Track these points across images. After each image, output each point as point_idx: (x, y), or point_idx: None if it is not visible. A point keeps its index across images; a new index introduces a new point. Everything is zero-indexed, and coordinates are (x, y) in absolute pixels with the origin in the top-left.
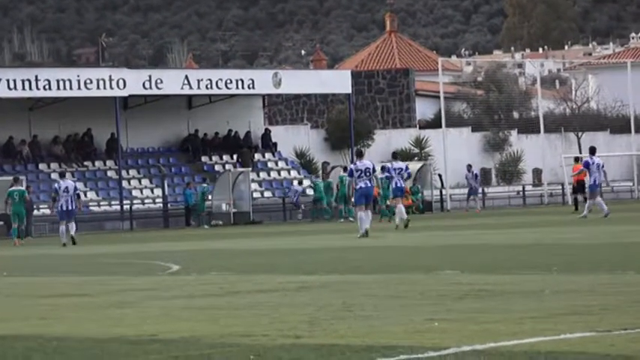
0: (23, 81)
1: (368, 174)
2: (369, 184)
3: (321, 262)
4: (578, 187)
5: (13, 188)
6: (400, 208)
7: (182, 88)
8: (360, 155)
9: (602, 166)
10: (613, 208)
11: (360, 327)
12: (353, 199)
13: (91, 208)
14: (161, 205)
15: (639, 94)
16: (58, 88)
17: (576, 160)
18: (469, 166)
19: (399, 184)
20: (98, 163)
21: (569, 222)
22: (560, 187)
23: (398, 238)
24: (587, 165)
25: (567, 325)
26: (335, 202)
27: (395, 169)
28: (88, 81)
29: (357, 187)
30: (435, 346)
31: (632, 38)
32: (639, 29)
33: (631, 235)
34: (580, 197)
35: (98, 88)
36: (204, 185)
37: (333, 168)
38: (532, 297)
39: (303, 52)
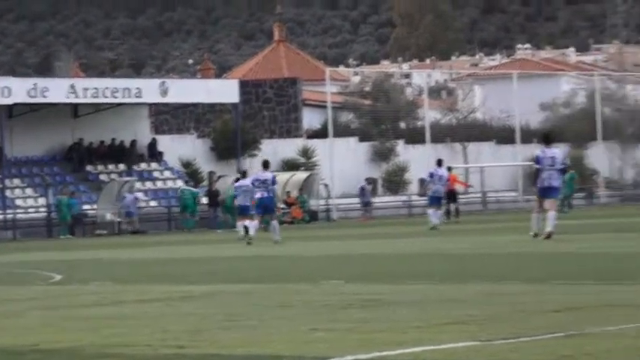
0: None
1: (266, 185)
2: (267, 195)
3: (206, 272)
4: (450, 196)
5: None
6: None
7: (68, 97)
8: (265, 166)
9: (447, 179)
10: (498, 218)
11: (244, 337)
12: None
13: None
14: (45, 214)
15: (525, 105)
16: None
17: (448, 169)
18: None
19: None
20: None
21: (454, 232)
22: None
23: (284, 248)
24: (431, 176)
25: (451, 334)
26: (222, 212)
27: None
28: None
29: (256, 197)
30: (318, 356)
31: (519, 49)
32: (525, 40)
33: (514, 245)
34: (452, 207)
35: None
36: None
37: (219, 177)
38: (416, 307)
39: (190, 61)
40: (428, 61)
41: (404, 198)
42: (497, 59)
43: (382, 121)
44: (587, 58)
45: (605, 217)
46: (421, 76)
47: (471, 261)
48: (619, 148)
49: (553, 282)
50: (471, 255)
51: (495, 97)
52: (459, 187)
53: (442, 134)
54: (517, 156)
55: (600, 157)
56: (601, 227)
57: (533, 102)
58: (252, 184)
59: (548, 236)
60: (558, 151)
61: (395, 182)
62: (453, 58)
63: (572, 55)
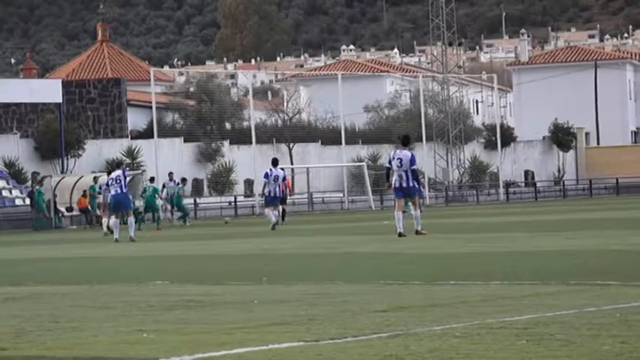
0: None
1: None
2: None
3: (29, 273)
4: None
5: None
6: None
7: None
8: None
9: (283, 178)
10: (324, 219)
11: (67, 338)
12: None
13: None
14: None
15: (349, 106)
16: None
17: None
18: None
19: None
20: None
21: (280, 232)
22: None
23: (109, 249)
24: (266, 176)
25: (276, 335)
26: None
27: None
28: None
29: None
30: (143, 357)
31: (343, 51)
32: (350, 42)
33: (341, 246)
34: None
35: None
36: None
37: (44, 178)
38: (241, 307)
39: (13, 60)
40: (253, 61)
41: (230, 199)
42: (322, 60)
43: (207, 122)
44: (411, 60)
45: (431, 218)
46: (246, 76)
47: (297, 262)
48: (443, 149)
49: (381, 282)
50: (298, 255)
51: (320, 98)
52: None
53: (268, 135)
54: (342, 157)
55: (425, 158)
56: (429, 228)
57: (358, 103)
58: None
59: (417, 233)
60: (407, 153)
61: (221, 183)
62: (278, 59)
63: (396, 56)
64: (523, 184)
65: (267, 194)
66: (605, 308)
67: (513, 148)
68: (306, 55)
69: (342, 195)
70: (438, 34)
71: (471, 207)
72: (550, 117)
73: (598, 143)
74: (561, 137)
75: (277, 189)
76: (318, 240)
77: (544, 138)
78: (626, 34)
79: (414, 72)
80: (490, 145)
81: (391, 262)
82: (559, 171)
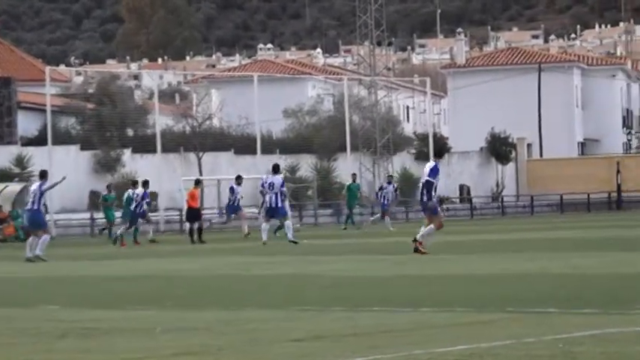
0: None
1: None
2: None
3: None
4: (191, 214)
5: None
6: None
7: None
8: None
9: (281, 185)
10: (235, 236)
11: None
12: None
13: None
14: None
15: (266, 111)
16: None
17: (197, 183)
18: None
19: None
20: None
21: (187, 252)
22: (179, 212)
23: (3, 269)
24: (262, 185)
25: None
26: None
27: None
28: None
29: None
30: None
31: (260, 50)
32: (268, 40)
33: (254, 267)
34: (195, 225)
35: None
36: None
37: None
38: (142, 335)
39: None
40: (160, 60)
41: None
42: (237, 60)
43: (107, 128)
44: (336, 61)
45: (356, 236)
46: (152, 77)
47: (205, 284)
48: (370, 160)
49: (296, 308)
50: (206, 277)
51: (234, 103)
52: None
53: (174, 143)
54: (258, 167)
55: (350, 169)
56: (352, 248)
57: (276, 108)
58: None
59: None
60: (278, 178)
61: (121, 196)
62: (188, 58)
63: (319, 57)
64: (458, 199)
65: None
66: (545, 338)
67: (447, 159)
68: (219, 54)
69: (256, 210)
70: (366, 33)
71: (399, 224)
72: (488, 126)
73: (541, 155)
74: (500, 148)
75: (274, 198)
76: (228, 260)
77: (481, 149)
78: (573, 35)
79: (338, 74)
80: (422, 157)
81: (308, 285)
82: (497, 186)
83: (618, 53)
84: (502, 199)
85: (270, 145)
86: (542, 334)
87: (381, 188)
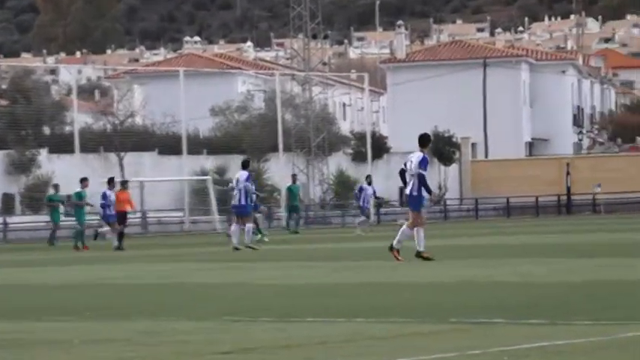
0: None
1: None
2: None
3: None
4: (120, 217)
5: None
6: None
7: None
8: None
9: (247, 179)
10: (160, 242)
11: None
12: None
13: None
14: None
15: (192, 108)
16: None
17: (123, 184)
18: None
19: None
20: None
21: (108, 259)
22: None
23: None
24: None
25: None
26: None
27: None
28: None
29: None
30: None
31: (187, 43)
32: (195, 32)
33: (179, 275)
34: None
35: None
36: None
37: None
38: (59, 348)
39: None
40: (78, 54)
41: (46, 218)
42: (162, 54)
43: (22, 126)
44: (268, 55)
45: (287, 242)
46: (70, 72)
47: (126, 293)
48: (304, 161)
49: (225, 318)
50: (128, 286)
51: (158, 99)
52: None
53: (94, 142)
54: (183, 169)
55: (282, 170)
56: (286, 254)
57: (204, 105)
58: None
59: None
60: (244, 173)
61: (36, 199)
62: (109, 51)
63: (249, 50)
64: (397, 203)
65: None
66: (491, 350)
67: (386, 160)
68: (142, 47)
69: (182, 214)
70: (300, 25)
71: (334, 230)
72: (430, 124)
73: (486, 156)
74: (443, 148)
75: (240, 195)
76: (152, 268)
77: None
78: (520, 28)
79: (270, 69)
80: (359, 157)
81: (238, 294)
82: (440, 188)
83: (569, 47)
84: (445, 202)
85: (197, 145)
86: (487, 346)
87: (360, 189)
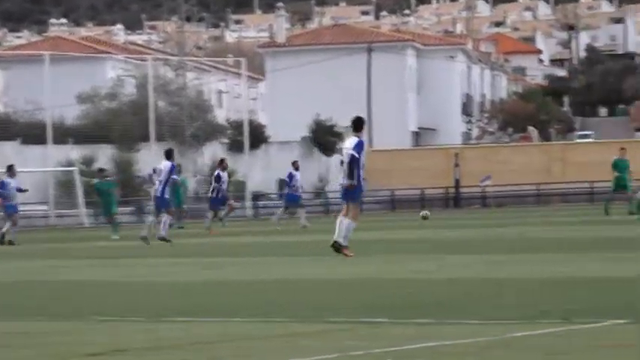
0: None
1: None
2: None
3: None
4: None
5: None
6: None
7: None
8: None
9: (170, 171)
10: (23, 237)
11: None
12: None
13: None
14: None
15: (58, 95)
16: None
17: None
18: None
19: None
20: None
21: None
22: None
23: None
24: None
25: None
26: None
27: None
28: None
29: None
30: None
31: (52, 25)
32: (61, 14)
33: (44, 273)
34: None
35: None
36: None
37: None
38: None
39: None
40: None
41: None
42: (25, 37)
43: None
44: (139, 38)
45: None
46: None
47: None
48: (177, 151)
49: (93, 317)
50: None
51: (21, 85)
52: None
53: None
54: (48, 160)
55: (154, 161)
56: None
57: (70, 92)
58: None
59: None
60: (167, 163)
61: None
62: None
63: (120, 33)
64: (276, 195)
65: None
66: (374, 351)
67: (265, 150)
68: (5, 30)
69: (46, 207)
70: (174, 7)
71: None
72: (312, 112)
73: (371, 146)
74: (324, 138)
75: (160, 188)
76: (15, 265)
77: (303, 138)
78: (407, 11)
79: (141, 53)
80: (235, 147)
81: (107, 292)
82: (321, 180)
83: (458, 32)
84: (326, 195)
85: (63, 134)
86: (371, 346)
87: (290, 176)
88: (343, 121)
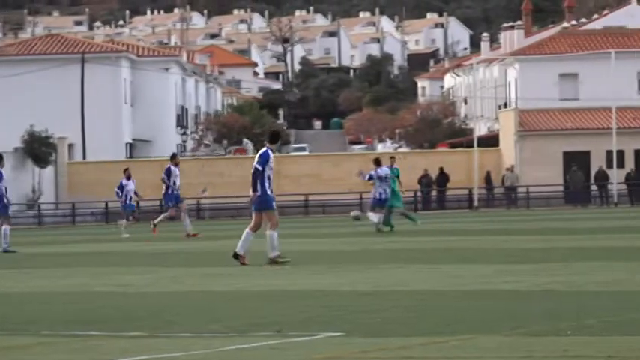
0: None
1: None
2: None
3: None
4: None
5: None
6: None
7: None
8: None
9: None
10: None
11: None
12: None
13: None
14: None
15: None
16: None
17: None
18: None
19: None
20: None
21: None
22: None
23: None
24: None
25: None
26: None
27: None
28: None
29: None
30: None
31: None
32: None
33: None
34: None
35: None
36: None
37: None
38: None
39: None
40: None
41: None
42: None
43: None
44: None
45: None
46: None
47: None
48: None
49: None
50: None
51: None
52: None
53: None
54: None
55: None
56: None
57: None
58: None
59: None
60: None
61: None
62: None
63: None
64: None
65: None
66: None
67: None
68: None
69: None
70: None
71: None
72: (26, 123)
73: (84, 158)
74: (38, 149)
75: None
76: None
77: (16, 150)
78: (121, 22)
79: None
80: None
81: None
82: (34, 192)
83: (173, 43)
84: (39, 207)
85: None
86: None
87: (121, 186)
88: (59, 133)
